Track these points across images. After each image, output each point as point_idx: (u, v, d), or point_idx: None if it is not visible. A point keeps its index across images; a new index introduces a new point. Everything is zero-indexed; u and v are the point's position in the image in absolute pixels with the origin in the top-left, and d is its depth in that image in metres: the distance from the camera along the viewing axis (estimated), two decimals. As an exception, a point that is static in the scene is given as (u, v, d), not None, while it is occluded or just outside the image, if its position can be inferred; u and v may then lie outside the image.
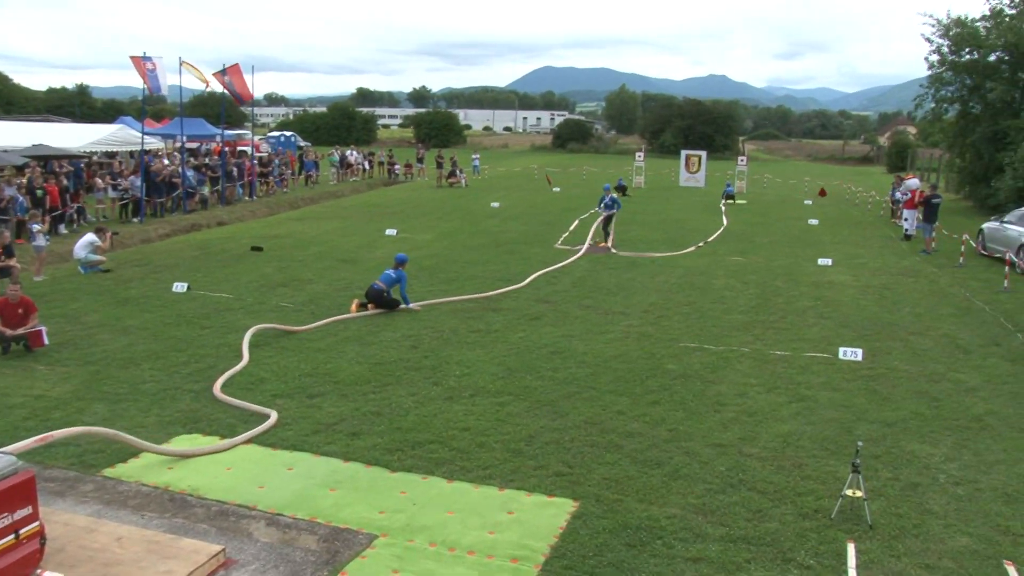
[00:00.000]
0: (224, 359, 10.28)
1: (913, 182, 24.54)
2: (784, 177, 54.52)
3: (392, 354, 10.63)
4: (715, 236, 23.11)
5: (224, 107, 32.69)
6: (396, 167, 43.51)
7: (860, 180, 53.52)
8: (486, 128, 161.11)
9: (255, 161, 31.20)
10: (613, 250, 19.94)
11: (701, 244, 21.41)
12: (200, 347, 10.80)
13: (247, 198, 29.24)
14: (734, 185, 38.60)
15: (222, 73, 26.19)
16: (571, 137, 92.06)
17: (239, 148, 34.99)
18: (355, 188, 37.12)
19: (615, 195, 21.96)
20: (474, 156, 49.19)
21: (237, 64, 26.61)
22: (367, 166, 43.05)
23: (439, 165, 40.46)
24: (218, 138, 38.24)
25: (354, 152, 43.07)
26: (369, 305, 12.89)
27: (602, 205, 21.22)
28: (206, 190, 26.55)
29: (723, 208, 31.30)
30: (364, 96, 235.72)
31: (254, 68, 28.47)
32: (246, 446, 7.71)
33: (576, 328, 12.11)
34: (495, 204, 30.07)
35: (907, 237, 23.23)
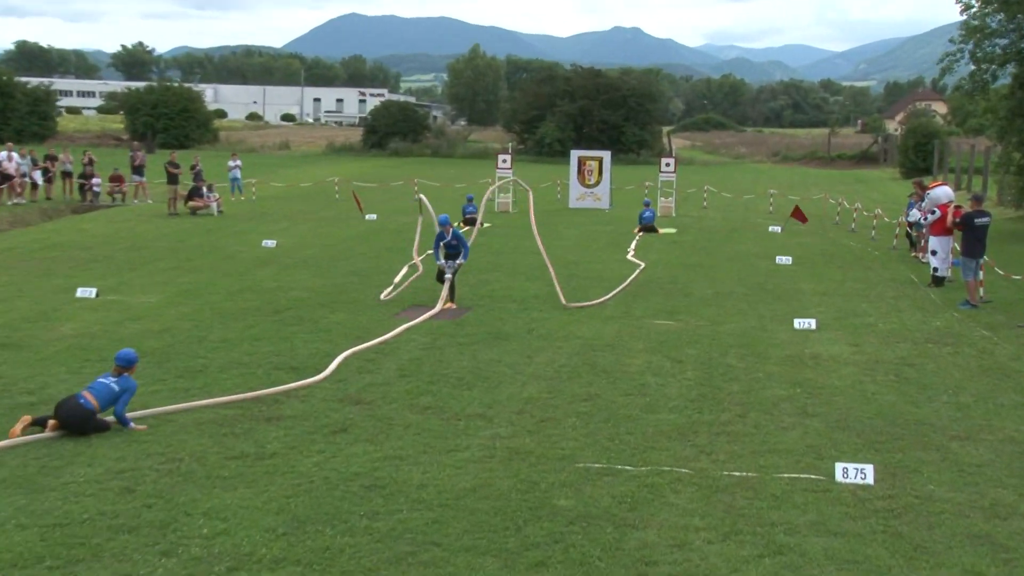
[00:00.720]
0: None
1: (943, 191, 25.70)
2: (736, 189, 56.89)
3: (88, 505, 10.16)
4: (627, 284, 23.69)
5: None
6: (96, 181, 42.47)
7: (859, 191, 56.48)
8: (253, 116, 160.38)
9: None
10: (452, 306, 20.42)
11: (606, 299, 21.92)
12: None
13: None
14: (656, 205, 39.88)
15: None
16: (393, 130, 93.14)
17: None
18: (18, 217, 35.85)
19: (459, 229, 22.22)
20: (232, 163, 48.74)
21: None
22: (40, 179, 41.80)
23: (172, 178, 39.79)
24: None
25: (15, 155, 41.71)
26: (50, 423, 12.32)
27: (439, 248, 21.43)
28: None
29: (636, 242, 32.23)
30: (30, 56, 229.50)
31: None
32: None
33: (408, 445, 12.00)
34: (270, 243, 29.80)
35: (938, 280, 24.46)
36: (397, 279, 23.53)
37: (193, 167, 41.26)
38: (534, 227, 23.41)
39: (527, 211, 24.63)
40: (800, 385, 15.00)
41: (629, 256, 28.84)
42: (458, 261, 21.22)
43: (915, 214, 28.69)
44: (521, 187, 25.26)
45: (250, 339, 17.51)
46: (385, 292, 22.10)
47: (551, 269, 22.44)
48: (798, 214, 36.22)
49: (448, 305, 20.50)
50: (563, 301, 21.29)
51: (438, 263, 21.45)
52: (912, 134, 75.17)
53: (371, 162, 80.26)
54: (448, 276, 21.00)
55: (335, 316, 19.62)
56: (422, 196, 24.77)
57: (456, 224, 34.90)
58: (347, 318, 19.45)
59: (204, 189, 39.37)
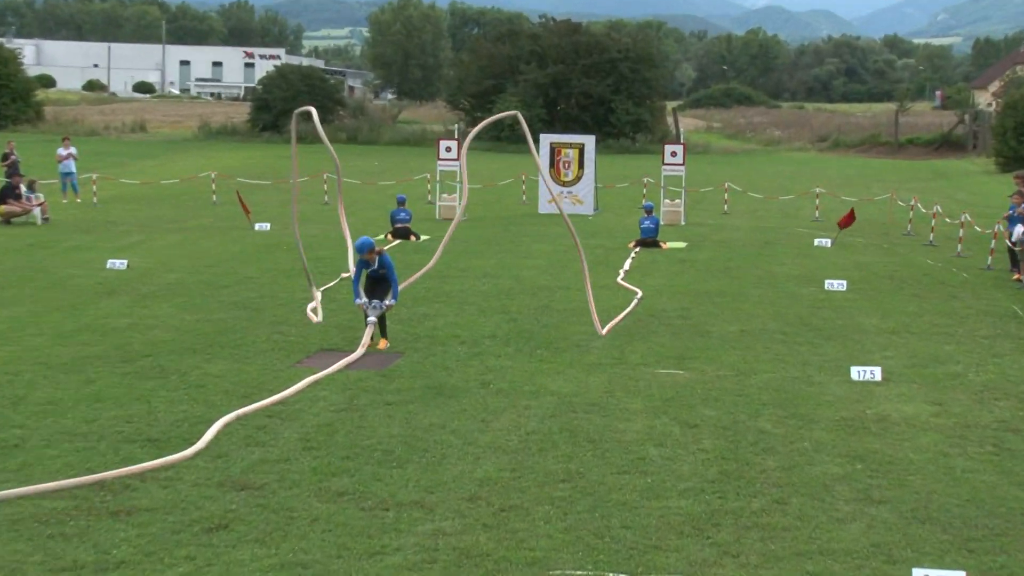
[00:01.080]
0: None
1: None
2: (769, 188, 57.13)
3: None
4: (621, 319, 23.72)
5: None
6: None
7: (939, 190, 56.73)
8: (93, 85, 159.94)
9: None
10: (386, 344, 20.66)
11: (602, 333, 21.98)
12: None
13: None
14: (659, 211, 39.95)
15: None
16: (293, 107, 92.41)
17: None
18: None
19: (385, 251, 22.01)
20: (64, 151, 48.48)
21: None
22: None
23: (-23, 173, 39.59)
24: None
25: None
26: None
27: (359, 281, 21.46)
28: None
29: (631, 260, 32.26)
30: None
31: None
32: None
33: (314, 546, 11.93)
34: (118, 263, 29.65)
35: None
36: (315, 306, 23.56)
37: (6, 157, 41.10)
38: (549, 184, 23.36)
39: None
40: (861, 459, 15.00)
41: (620, 280, 28.82)
42: (386, 302, 21.11)
43: (1019, 230, 28.69)
44: (514, 124, 25.31)
45: (89, 399, 17.29)
46: (311, 305, 22.19)
47: (586, 277, 22.53)
48: (847, 221, 36.39)
49: (382, 344, 20.66)
50: (600, 329, 21.70)
51: (357, 302, 21.36)
52: (1012, 111, 75.08)
53: (262, 151, 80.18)
54: (371, 319, 20.94)
55: (212, 366, 19.48)
56: (310, 108, 24.60)
57: (383, 237, 35.09)
58: (229, 368, 19.32)
59: (22, 188, 39.11)
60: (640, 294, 26.65)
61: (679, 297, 26.86)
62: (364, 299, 21.11)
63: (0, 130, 77.67)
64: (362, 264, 21.24)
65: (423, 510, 12.96)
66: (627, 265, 31.32)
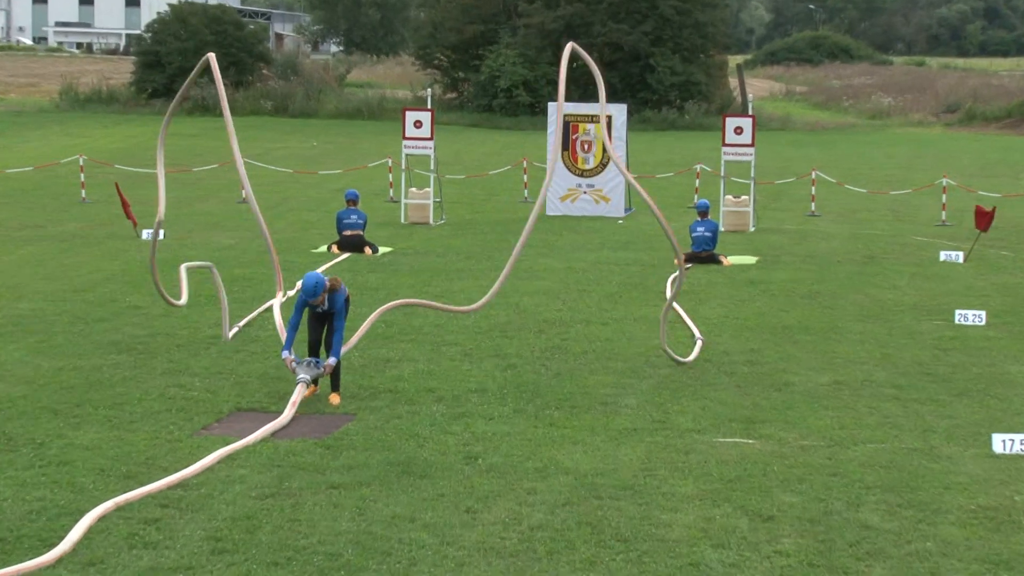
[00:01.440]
0: None
1: None
2: (874, 179, 57.19)
3: None
4: (683, 366, 23.64)
5: None
6: None
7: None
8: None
9: None
10: (336, 399, 20.78)
11: (687, 361, 21.87)
12: None
13: None
14: (717, 213, 40.02)
15: None
16: (192, 65, 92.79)
17: None
18: None
19: (342, 287, 22.04)
20: None
21: None
22: None
23: None
24: None
25: None
26: None
27: (297, 318, 21.54)
28: None
29: (680, 281, 32.31)
30: None
31: None
32: None
33: None
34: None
35: None
36: (233, 326, 23.69)
37: None
38: (624, 170, 23.42)
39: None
40: (1008, 566, 14.97)
41: (675, 305, 28.56)
42: (327, 362, 21.16)
43: None
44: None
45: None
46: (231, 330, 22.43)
47: (682, 274, 22.53)
48: (982, 219, 36.26)
49: (333, 399, 20.79)
50: (677, 358, 21.96)
51: (283, 355, 21.47)
52: None
53: (151, 126, 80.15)
54: (303, 378, 20.94)
55: (81, 434, 19.40)
56: (210, 55, 24.71)
57: (326, 249, 35.18)
58: (105, 437, 19.25)
59: None
60: (700, 340, 26.35)
61: (747, 334, 26.89)
62: (292, 353, 21.17)
63: None
64: (304, 307, 21.31)
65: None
66: (675, 285, 31.17)
